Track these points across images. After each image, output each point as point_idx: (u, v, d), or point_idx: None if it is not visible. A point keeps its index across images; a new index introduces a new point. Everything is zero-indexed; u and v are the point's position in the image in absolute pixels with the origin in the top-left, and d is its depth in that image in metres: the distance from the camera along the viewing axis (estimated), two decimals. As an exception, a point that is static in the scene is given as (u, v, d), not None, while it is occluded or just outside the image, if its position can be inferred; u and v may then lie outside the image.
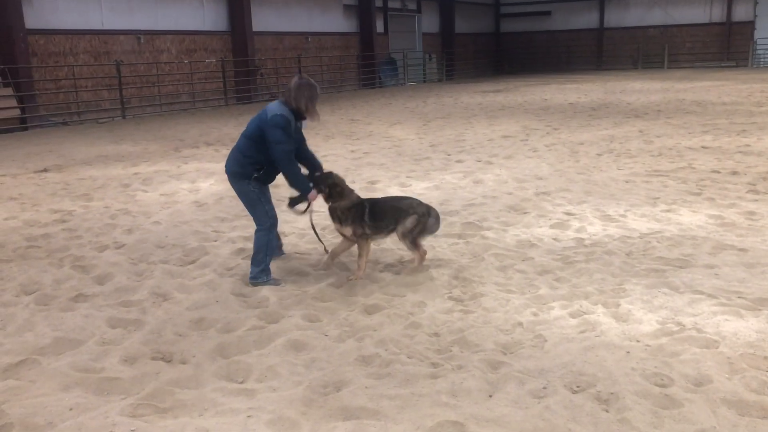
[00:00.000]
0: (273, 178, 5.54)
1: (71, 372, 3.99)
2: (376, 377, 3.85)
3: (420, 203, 5.69)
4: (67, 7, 19.35)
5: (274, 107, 5.20)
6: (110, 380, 3.89)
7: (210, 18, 23.92)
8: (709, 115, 15.73)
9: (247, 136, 5.32)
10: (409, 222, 5.49)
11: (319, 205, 5.71)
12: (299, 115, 5.29)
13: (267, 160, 5.27)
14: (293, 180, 5.36)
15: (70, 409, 3.57)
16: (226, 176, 5.53)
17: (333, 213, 5.55)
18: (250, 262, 5.55)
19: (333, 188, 5.45)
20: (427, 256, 5.73)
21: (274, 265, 5.66)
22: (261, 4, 25.62)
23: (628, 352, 4.02)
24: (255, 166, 5.30)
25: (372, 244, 5.73)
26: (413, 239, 5.54)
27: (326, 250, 5.88)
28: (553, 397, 3.54)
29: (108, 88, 20.46)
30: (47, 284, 5.55)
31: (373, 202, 5.67)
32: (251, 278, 5.44)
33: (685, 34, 38.69)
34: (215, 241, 6.75)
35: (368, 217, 5.45)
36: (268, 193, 5.52)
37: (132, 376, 3.94)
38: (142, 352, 4.26)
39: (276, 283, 5.43)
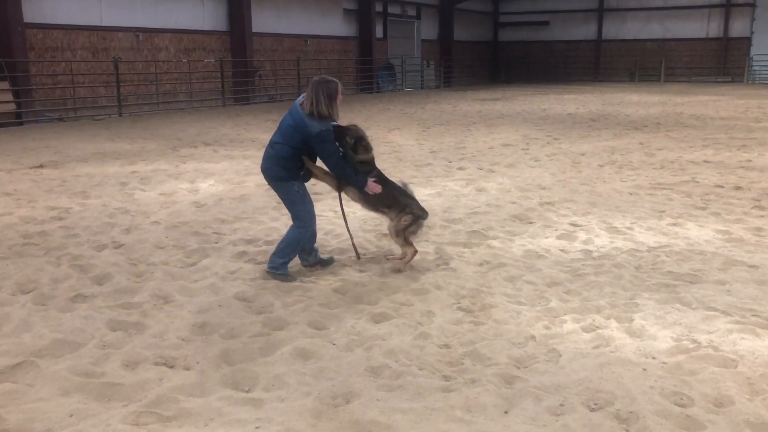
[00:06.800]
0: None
1: (71, 376, 3.85)
2: (387, 389, 3.73)
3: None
4: (67, 1, 19.16)
5: (315, 123, 5.15)
6: (111, 386, 3.76)
7: (210, 17, 23.78)
8: (709, 129, 15.72)
9: (290, 146, 5.29)
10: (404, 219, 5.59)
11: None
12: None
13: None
14: (350, 182, 5.48)
15: (71, 416, 3.44)
16: (260, 177, 5.72)
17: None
18: (271, 254, 5.60)
19: (360, 141, 5.43)
20: (432, 263, 5.64)
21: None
22: (261, 5, 25.50)
23: (645, 369, 3.92)
24: (299, 168, 5.44)
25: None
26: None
27: (358, 256, 5.96)
28: (571, 415, 3.43)
29: (105, 85, 20.28)
30: (45, 283, 5.41)
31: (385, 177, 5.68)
32: (270, 266, 5.51)
33: (682, 48, 38.85)
34: (216, 243, 6.62)
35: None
36: (309, 193, 5.62)
37: (134, 382, 3.80)
38: (144, 357, 4.12)
39: (290, 279, 5.46)
